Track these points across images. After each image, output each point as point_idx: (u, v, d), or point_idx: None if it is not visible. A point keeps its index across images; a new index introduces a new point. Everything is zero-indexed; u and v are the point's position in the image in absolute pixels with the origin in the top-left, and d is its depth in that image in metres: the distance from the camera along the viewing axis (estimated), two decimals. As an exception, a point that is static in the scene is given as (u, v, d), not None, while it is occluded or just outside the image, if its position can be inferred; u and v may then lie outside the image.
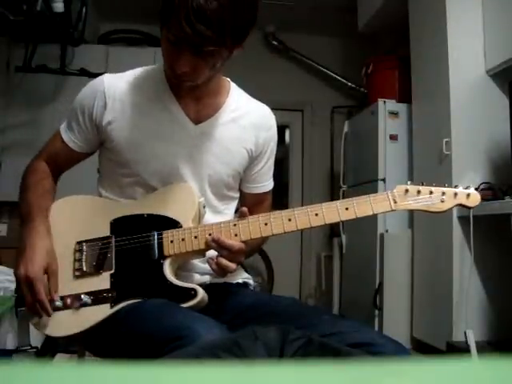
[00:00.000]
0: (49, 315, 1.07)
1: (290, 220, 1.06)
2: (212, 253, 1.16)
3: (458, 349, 2.35)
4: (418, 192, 1.06)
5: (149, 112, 1.16)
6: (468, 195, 1.07)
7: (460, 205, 1.07)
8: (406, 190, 1.06)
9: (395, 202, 1.05)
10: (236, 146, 1.21)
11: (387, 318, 3.10)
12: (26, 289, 1.06)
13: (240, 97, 1.26)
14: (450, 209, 1.07)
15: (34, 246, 1.09)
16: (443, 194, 1.06)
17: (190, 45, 0.99)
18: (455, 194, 1.06)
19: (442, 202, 1.05)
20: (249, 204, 1.26)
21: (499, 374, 0.35)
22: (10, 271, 2.21)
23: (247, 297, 1.18)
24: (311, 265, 4.56)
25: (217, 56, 1.04)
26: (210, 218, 1.18)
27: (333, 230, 4.22)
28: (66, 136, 1.21)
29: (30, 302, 1.06)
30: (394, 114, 3.33)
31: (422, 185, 1.07)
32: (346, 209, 1.06)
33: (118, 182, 1.19)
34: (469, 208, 1.08)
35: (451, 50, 2.72)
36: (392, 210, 1.06)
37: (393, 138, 3.31)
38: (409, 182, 1.08)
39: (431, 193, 1.06)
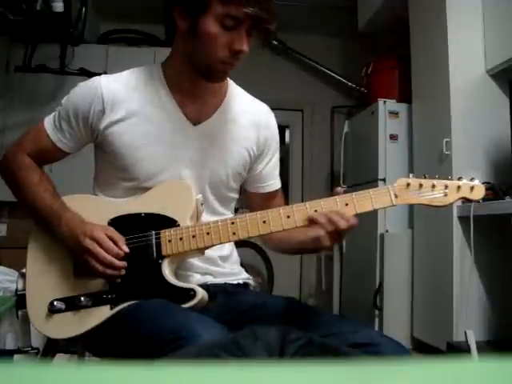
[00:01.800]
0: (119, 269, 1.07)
1: (288, 217, 1.04)
2: (210, 252, 1.15)
3: (458, 349, 2.35)
4: (420, 186, 1.02)
5: (147, 114, 1.14)
6: (472, 188, 1.02)
7: (464, 198, 1.03)
8: (408, 184, 1.02)
9: (396, 197, 1.02)
10: (236, 146, 1.20)
11: (387, 318, 3.09)
12: (92, 245, 1.06)
13: (239, 95, 1.25)
14: (454, 202, 1.03)
15: (80, 221, 1.10)
16: (446, 187, 1.02)
17: (258, 21, 1.04)
18: (458, 187, 1.02)
19: (445, 195, 1.02)
20: (258, 206, 1.24)
21: (499, 374, 0.35)
22: (10, 271, 2.20)
23: (247, 297, 1.17)
24: (311, 265, 4.55)
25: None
26: (210, 220, 1.14)
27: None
28: (54, 136, 1.17)
29: (102, 260, 1.06)
30: (394, 113, 3.33)
31: (425, 178, 1.03)
32: (346, 204, 1.04)
33: (116, 186, 1.17)
34: (473, 201, 1.04)
35: (451, 49, 2.72)
36: (393, 205, 1.02)
37: (393, 137, 3.31)
38: (411, 175, 1.04)
39: (434, 186, 1.02)
